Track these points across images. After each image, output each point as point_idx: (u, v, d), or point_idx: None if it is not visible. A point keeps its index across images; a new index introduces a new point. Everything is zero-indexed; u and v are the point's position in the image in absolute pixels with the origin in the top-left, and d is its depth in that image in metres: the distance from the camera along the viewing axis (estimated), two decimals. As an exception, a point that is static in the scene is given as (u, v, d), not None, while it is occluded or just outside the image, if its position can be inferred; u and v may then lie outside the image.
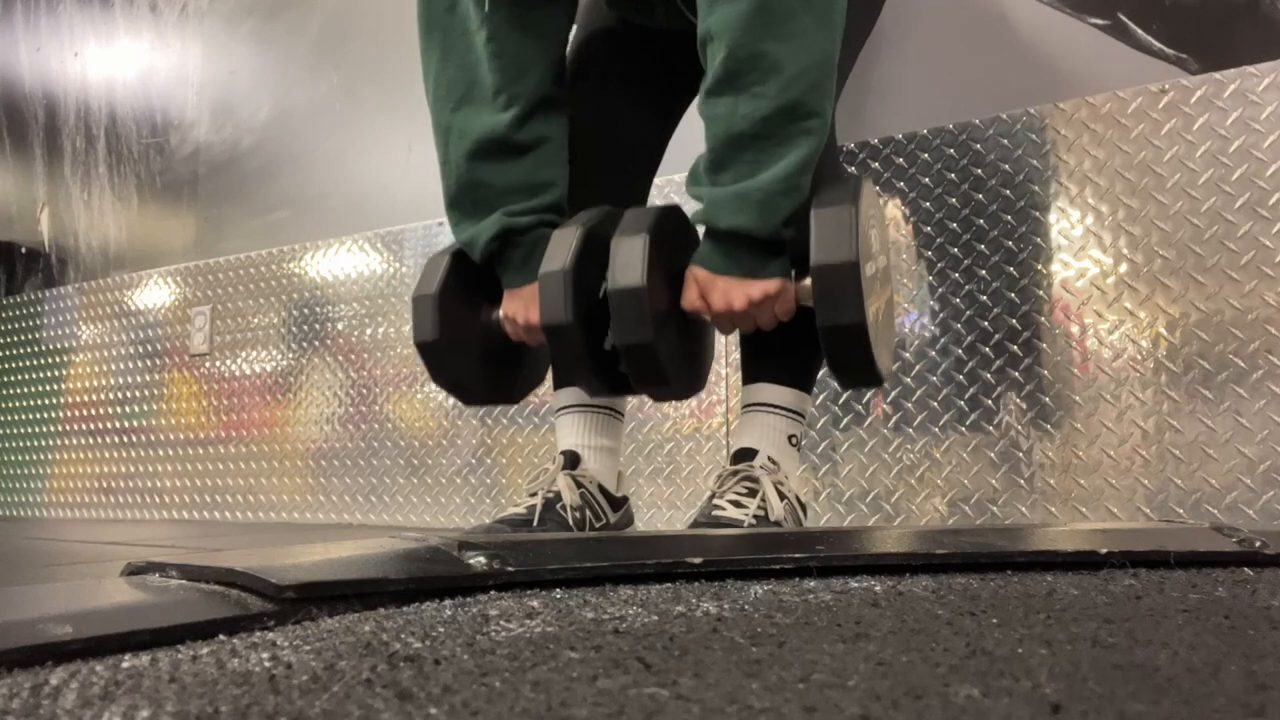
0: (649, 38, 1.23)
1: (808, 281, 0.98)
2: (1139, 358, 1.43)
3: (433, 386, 2.10)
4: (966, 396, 1.54)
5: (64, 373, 2.82)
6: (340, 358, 2.26)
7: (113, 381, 2.69)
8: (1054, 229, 1.51)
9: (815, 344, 0.98)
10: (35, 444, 2.85)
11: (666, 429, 1.80)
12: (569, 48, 1.26)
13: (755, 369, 1.18)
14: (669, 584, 0.66)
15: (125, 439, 2.63)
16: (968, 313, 1.55)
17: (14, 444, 2.91)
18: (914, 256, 1.61)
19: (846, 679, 0.39)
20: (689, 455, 1.78)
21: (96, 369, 2.73)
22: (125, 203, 2.81)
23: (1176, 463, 1.38)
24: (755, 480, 1.10)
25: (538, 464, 1.91)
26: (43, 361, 2.88)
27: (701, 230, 1.01)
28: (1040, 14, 1.55)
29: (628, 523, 1.28)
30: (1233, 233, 1.38)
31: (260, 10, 2.56)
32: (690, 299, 1.02)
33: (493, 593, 0.62)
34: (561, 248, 1.00)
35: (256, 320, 2.43)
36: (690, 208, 1.03)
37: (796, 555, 0.69)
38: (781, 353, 1.18)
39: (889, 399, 1.60)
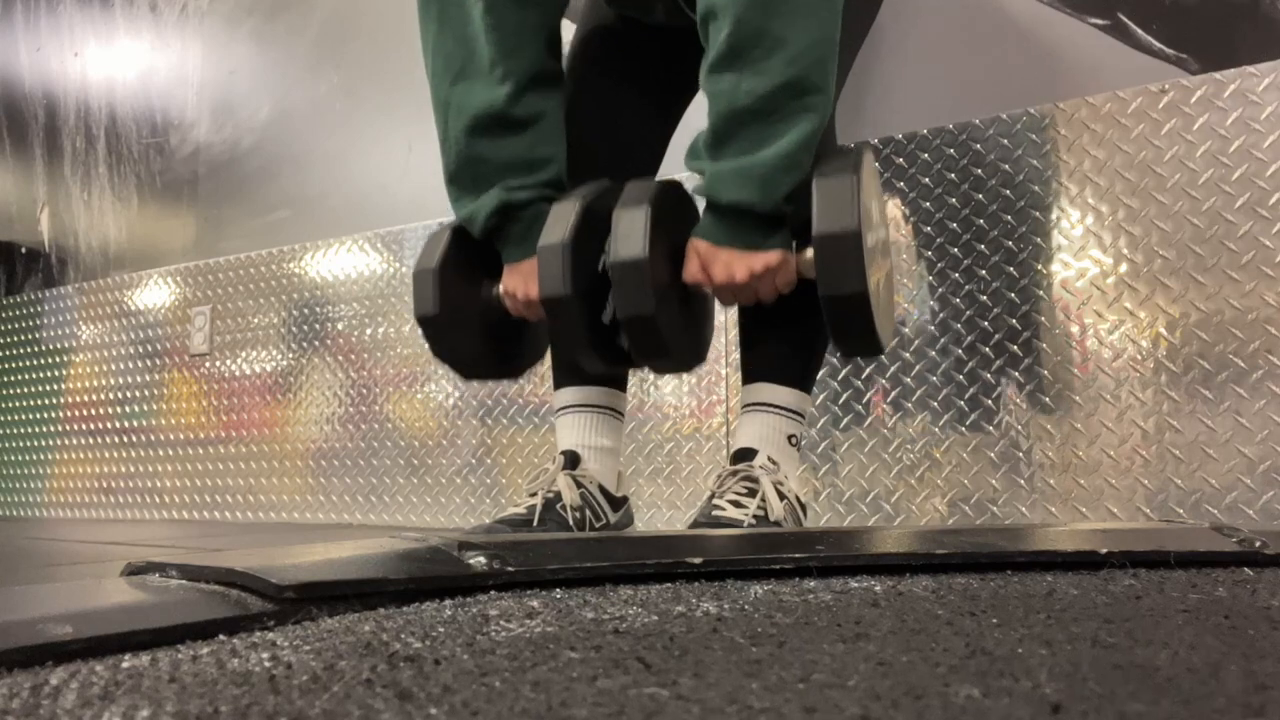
0: (649, 35, 1.23)
1: (808, 253, 0.99)
2: (1139, 358, 1.43)
3: (433, 386, 2.10)
4: (966, 396, 1.54)
5: (64, 373, 2.82)
6: (340, 358, 2.26)
7: (113, 381, 2.69)
8: (1054, 229, 1.51)
9: (815, 319, 0.99)
10: (35, 444, 2.85)
11: (666, 429, 1.80)
12: (569, 46, 1.26)
13: (755, 369, 1.18)
14: (669, 584, 0.66)
15: (125, 439, 2.63)
16: (968, 313, 1.55)
17: (14, 444, 2.91)
18: (914, 256, 1.61)
19: (846, 679, 0.39)
20: (689, 455, 1.78)
21: (96, 369, 2.73)
22: (125, 203, 2.81)
23: (1176, 463, 1.38)
24: (755, 480, 1.10)
25: (538, 464, 1.91)
26: (43, 361, 2.88)
27: (702, 204, 1.01)
28: (1040, 14, 1.55)
29: (628, 523, 1.28)
30: (1233, 233, 1.38)
31: (260, 10, 2.56)
32: (692, 271, 1.02)
33: (493, 593, 0.62)
34: (560, 221, 1.00)
35: (256, 320, 2.43)
36: (689, 183, 1.04)
37: (796, 555, 0.69)
38: (781, 347, 1.17)
39: (889, 399, 1.60)
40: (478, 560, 0.65)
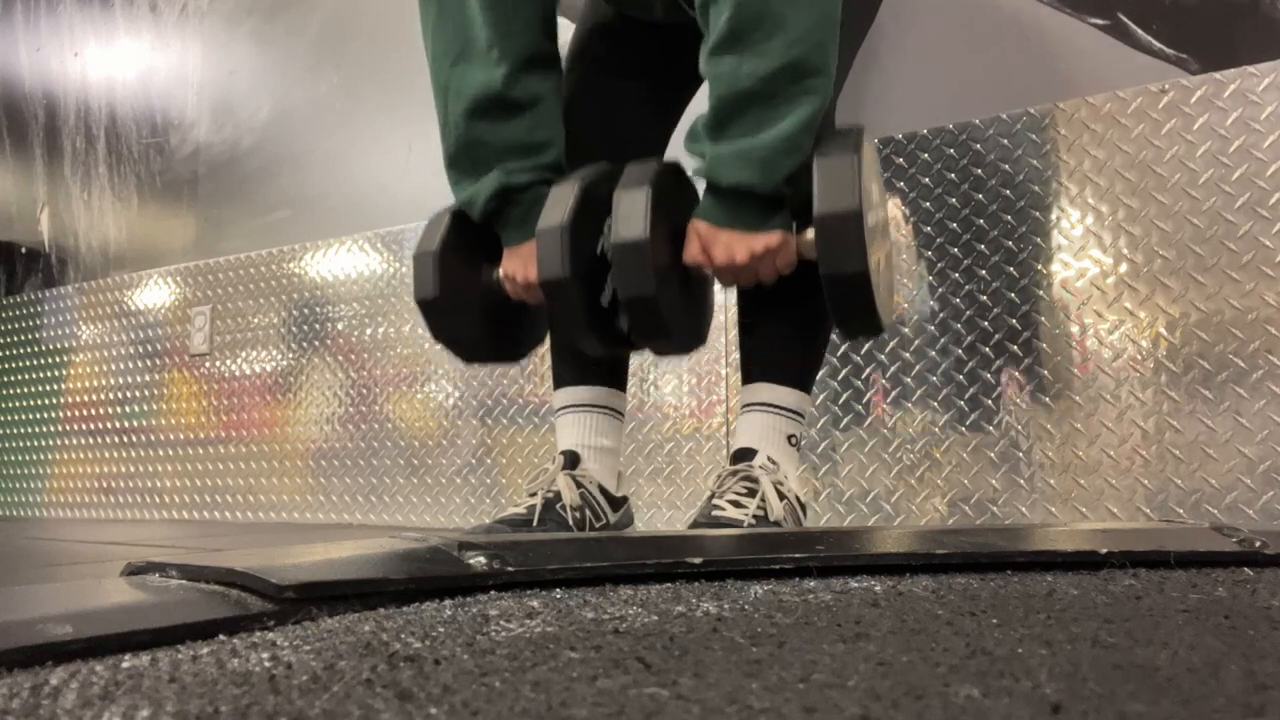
0: (647, 33, 1.23)
1: (809, 234, 0.99)
2: (1139, 358, 1.43)
3: (433, 386, 2.10)
4: (966, 396, 1.54)
5: (64, 373, 2.82)
6: (340, 358, 2.26)
7: (113, 381, 2.69)
8: (1054, 229, 1.51)
9: (815, 300, 0.99)
10: (35, 444, 2.85)
11: (666, 429, 1.80)
12: (569, 45, 1.26)
13: (755, 369, 1.18)
14: (669, 584, 0.65)
15: (125, 439, 2.63)
16: (968, 313, 1.55)
17: (14, 444, 2.91)
18: (914, 256, 1.61)
19: (846, 679, 0.39)
20: (689, 455, 1.78)
21: (96, 369, 2.74)
22: (125, 203, 2.81)
23: (1176, 463, 1.38)
24: (754, 480, 1.10)
25: (538, 464, 1.91)
26: (43, 361, 2.88)
27: (701, 186, 1.02)
28: (1040, 14, 1.55)
29: (628, 523, 1.28)
30: (1233, 233, 1.38)
31: (260, 10, 2.56)
32: (692, 252, 1.03)
33: (493, 593, 0.62)
34: (559, 204, 1.01)
35: (256, 320, 2.43)
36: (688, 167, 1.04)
37: (796, 555, 0.69)
38: (781, 346, 1.17)
39: (889, 399, 1.60)
40: (478, 560, 0.65)
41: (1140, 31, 1.49)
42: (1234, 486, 1.34)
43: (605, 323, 1.05)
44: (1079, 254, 1.49)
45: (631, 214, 0.96)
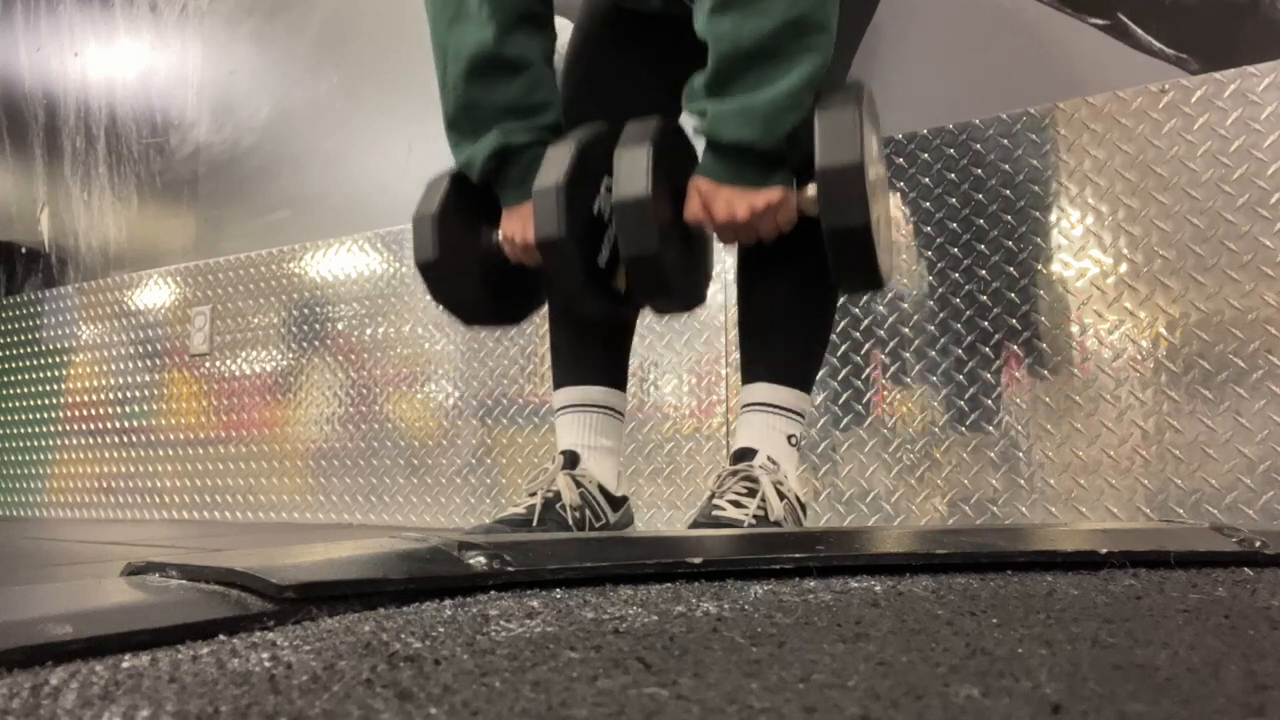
0: (646, 25, 1.23)
1: (809, 190, 1.00)
2: (1139, 358, 1.43)
3: (433, 386, 2.10)
4: (966, 396, 1.54)
5: (64, 373, 2.82)
6: (340, 358, 2.26)
7: (113, 381, 2.69)
8: (1054, 229, 1.51)
9: (815, 255, 0.99)
10: (35, 444, 2.85)
11: (666, 429, 1.80)
12: (569, 42, 1.26)
13: (755, 369, 1.18)
14: (669, 584, 0.65)
15: (125, 439, 2.63)
16: (968, 313, 1.55)
17: (14, 444, 2.91)
18: (914, 256, 1.61)
19: (846, 679, 0.39)
20: (689, 455, 1.78)
21: (96, 369, 2.73)
22: (125, 203, 2.81)
23: (1176, 463, 1.38)
24: (755, 480, 1.10)
25: (538, 464, 1.91)
26: (43, 361, 2.88)
27: (701, 146, 1.02)
28: (1040, 14, 1.55)
29: (628, 523, 1.28)
30: (1233, 233, 1.38)
31: (260, 10, 2.56)
32: (693, 210, 1.03)
33: (493, 593, 0.62)
34: (555, 164, 1.01)
35: (256, 320, 2.43)
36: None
37: (796, 555, 0.69)
38: (780, 344, 1.17)
39: (889, 399, 1.60)
40: (478, 560, 0.65)
41: (1140, 31, 1.49)
42: (1234, 486, 1.34)
43: (603, 283, 1.05)
44: (1079, 254, 1.49)
45: (633, 171, 0.97)
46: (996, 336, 1.53)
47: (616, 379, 1.27)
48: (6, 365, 2.98)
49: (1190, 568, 0.67)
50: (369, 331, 2.23)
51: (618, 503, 1.24)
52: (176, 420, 2.54)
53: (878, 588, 0.62)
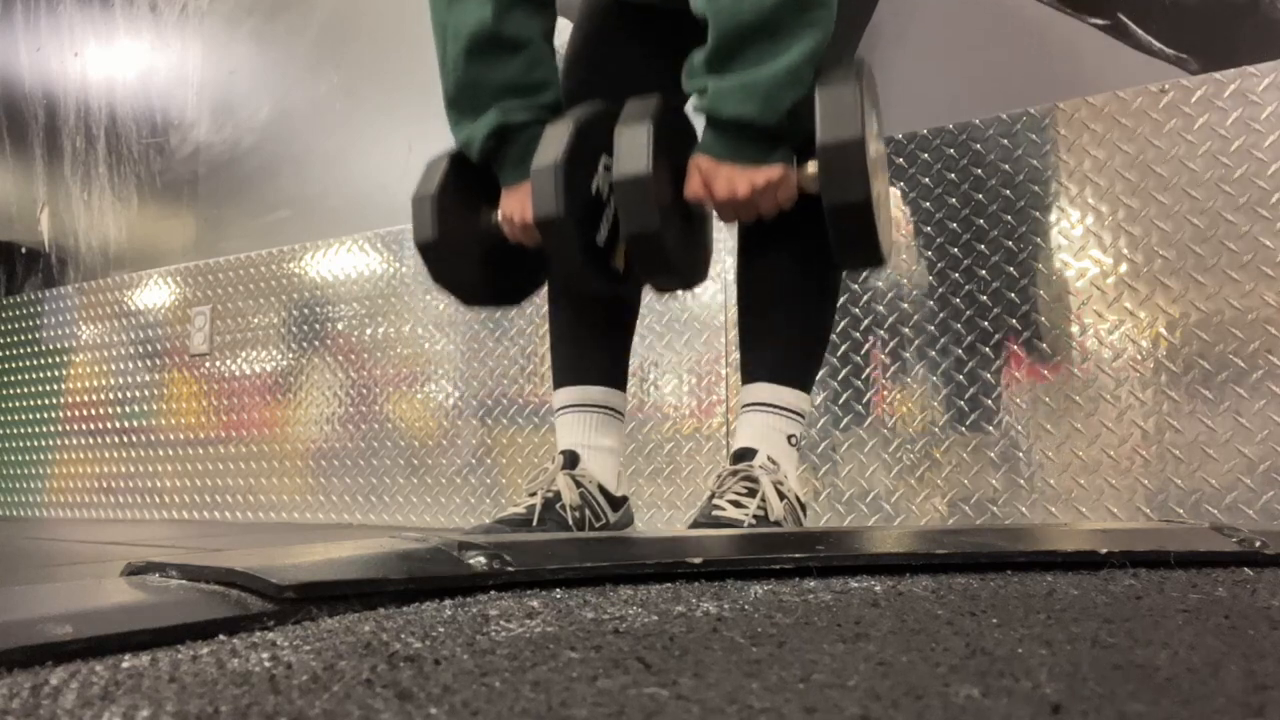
0: (649, 19, 1.23)
1: (809, 167, 1.00)
2: (1139, 358, 1.43)
3: (433, 386, 2.10)
4: (966, 396, 1.54)
5: (64, 373, 2.82)
6: (340, 358, 2.26)
7: (113, 381, 2.69)
8: (1054, 229, 1.51)
9: (816, 229, 0.99)
10: (35, 444, 2.85)
11: (666, 429, 1.80)
12: (570, 38, 1.26)
13: (755, 369, 1.18)
14: (669, 584, 0.65)
15: (125, 439, 2.63)
16: (968, 313, 1.55)
17: (14, 444, 2.91)
18: (914, 256, 1.61)
19: (846, 679, 0.39)
20: (689, 455, 1.78)
21: (96, 369, 2.73)
22: (125, 203, 2.81)
23: (1176, 463, 1.38)
24: (755, 480, 1.10)
25: (538, 464, 1.91)
26: (43, 361, 2.88)
27: (701, 124, 1.02)
28: (1040, 14, 1.55)
29: (628, 523, 1.28)
30: (1233, 233, 1.38)
31: (260, 10, 2.56)
32: (694, 187, 1.03)
33: (493, 593, 0.62)
34: (553, 142, 1.01)
35: (256, 320, 2.43)
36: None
37: (796, 555, 0.69)
38: (781, 343, 1.17)
39: (889, 399, 1.60)
40: (478, 560, 0.65)
41: (1140, 31, 1.49)
42: (1234, 486, 1.34)
43: (602, 261, 1.06)
44: (1079, 254, 1.49)
45: (634, 149, 0.97)
46: (996, 336, 1.53)
47: (616, 379, 1.27)
48: (6, 365, 2.98)
49: (1190, 568, 0.67)
50: (369, 331, 2.23)
51: (618, 503, 1.24)
52: (176, 420, 2.54)
53: (878, 588, 0.62)
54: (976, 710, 0.34)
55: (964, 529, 0.96)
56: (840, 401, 1.63)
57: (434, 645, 0.46)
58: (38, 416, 2.86)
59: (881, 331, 1.62)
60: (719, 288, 1.78)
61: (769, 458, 1.12)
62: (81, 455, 2.72)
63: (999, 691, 0.36)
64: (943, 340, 1.57)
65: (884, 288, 1.63)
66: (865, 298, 1.64)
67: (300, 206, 2.43)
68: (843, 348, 1.64)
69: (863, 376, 1.63)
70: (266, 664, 0.43)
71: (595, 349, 1.26)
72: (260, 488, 2.34)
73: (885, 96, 1.68)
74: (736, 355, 1.36)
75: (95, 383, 2.73)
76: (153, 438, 2.57)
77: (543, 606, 0.57)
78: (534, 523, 1.13)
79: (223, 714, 0.35)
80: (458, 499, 2.04)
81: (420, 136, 2.19)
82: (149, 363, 2.62)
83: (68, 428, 2.78)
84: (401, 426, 2.14)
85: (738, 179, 1.00)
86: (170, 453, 2.53)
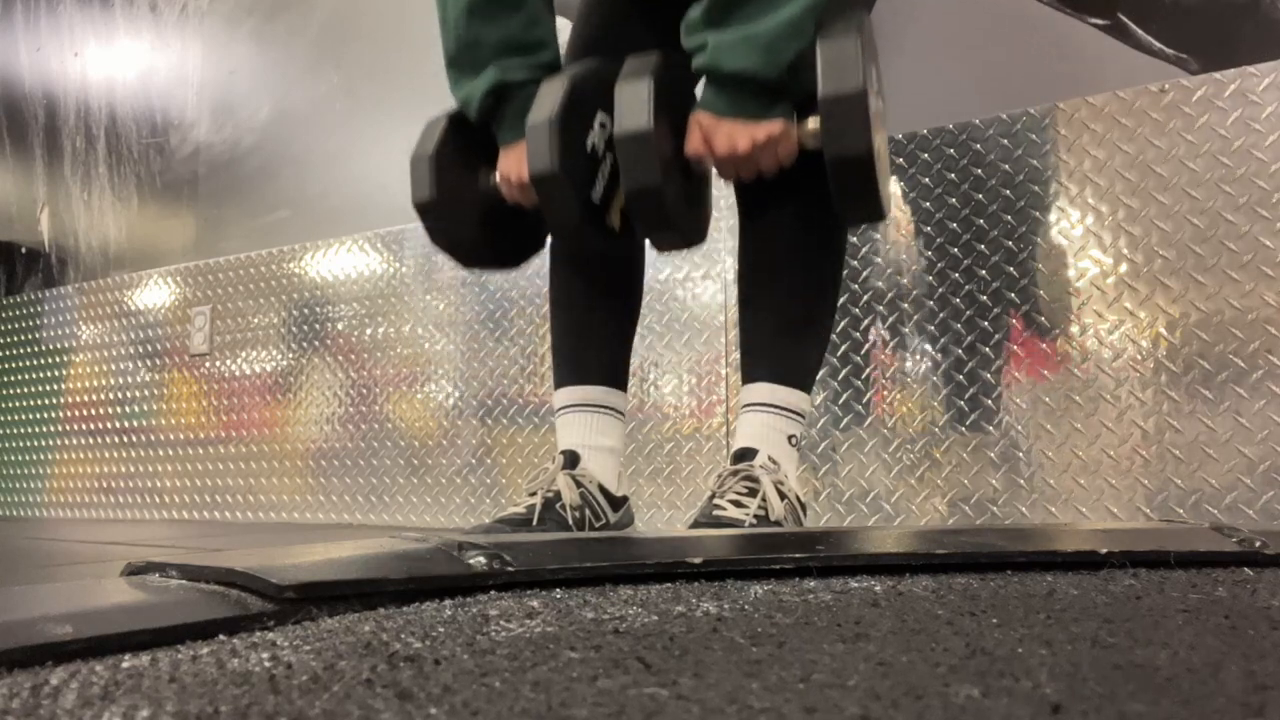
0: (645, 12, 1.23)
1: (810, 123, 1.00)
2: (1139, 358, 1.43)
3: (433, 386, 2.10)
4: (966, 396, 1.54)
5: (64, 373, 2.82)
6: (340, 358, 2.26)
7: (113, 381, 2.69)
8: (1054, 229, 1.51)
9: (816, 192, 0.99)
10: (35, 444, 2.85)
11: (666, 429, 1.80)
12: (575, 21, 1.26)
13: (755, 369, 1.18)
14: (669, 584, 0.65)
15: (125, 439, 2.63)
16: (968, 313, 1.55)
17: (14, 444, 2.91)
18: (914, 256, 1.61)
19: (846, 679, 0.39)
20: (689, 455, 1.78)
21: (96, 369, 2.73)
22: (125, 203, 2.81)
23: (1176, 463, 1.38)
24: (755, 480, 1.10)
25: (538, 464, 1.91)
26: (43, 361, 2.88)
27: (700, 84, 1.02)
28: (1040, 14, 1.55)
29: (628, 523, 1.28)
30: (1233, 233, 1.38)
31: (260, 10, 2.56)
32: (694, 144, 1.03)
33: (493, 593, 0.62)
34: (548, 99, 1.01)
35: (256, 320, 2.43)
36: None
37: (796, 555, 0.69)
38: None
39: (889, 399, 1.60)
40: (478, 560, 0.65)
41: (1140, 31, 1.49)
42: (1234, 486, 1.34)
43: (597, 218, 1.06)
44: (1079, 254, 1.49)
45: (635, 105, 0.97)
46: (996, 336, 1.53)
47: (617, 378, 1.27)
48: (6, 365, 2.98)
49: (1190, 568, 0.67)
50: (369, 331, 2.23)
51: (618, 503, 1.24)
52: (176, 420, 2.54)
53: (878, 588, 0.62)
54: (976, 710, 0.34)
55: (964, 529, 0.96)
56: (840, 401, 1.63)
57: (434, 645, 0.46)
58: (38, 416, 2.86)
59: (882, 331, 1.62)
60: (719, 288, 1.78)
61: (770, 458, 1.12)
62: (81, 455, 2.72)
63: (999, 691, 0.36)
64: (943, 340, 1.57)
65: (884, 287, 1.63)
66: (865, 298, 1.64)
67: (300, 206, 2.43)
68: (843, 348, 1.64)
69: (863, 376, 1.63)
70: (266, 664, 0.43)
71: (596, 349, 1.26)
72: (260, 488, 2.34)
73: (885, 96, 1.68)
74: (736, 355, 1.36)
75: (95, 383, 2.73)
76: (153, 438, 2.57)
77: (543, 606, 0.57)
78: (534, 523, 1.13)
79: (223, 714, 0.35)
80: (458, 499, 2.04)
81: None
82: (149, 363, 2.62)
83: (68, 428, 2.78)
84: (401, 426, 2.14)
85: (738, 134, 1.00)
86: (170, 453, 2.53)
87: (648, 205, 1.00)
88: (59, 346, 2.85)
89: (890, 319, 1.61)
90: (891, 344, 1.61)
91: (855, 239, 1.65)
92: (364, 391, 2.21)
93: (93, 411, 2.72)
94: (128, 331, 2.68)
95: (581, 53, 1.24)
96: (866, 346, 1.63)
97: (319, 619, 0.54)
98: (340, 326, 2.28)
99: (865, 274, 1.64)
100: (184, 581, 0.60)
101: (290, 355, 2.36)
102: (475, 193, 1.14)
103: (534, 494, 1.17)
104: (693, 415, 1.79)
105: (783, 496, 1.09)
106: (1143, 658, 0.42)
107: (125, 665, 0.43)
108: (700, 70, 1.01)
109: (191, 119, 2.68)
